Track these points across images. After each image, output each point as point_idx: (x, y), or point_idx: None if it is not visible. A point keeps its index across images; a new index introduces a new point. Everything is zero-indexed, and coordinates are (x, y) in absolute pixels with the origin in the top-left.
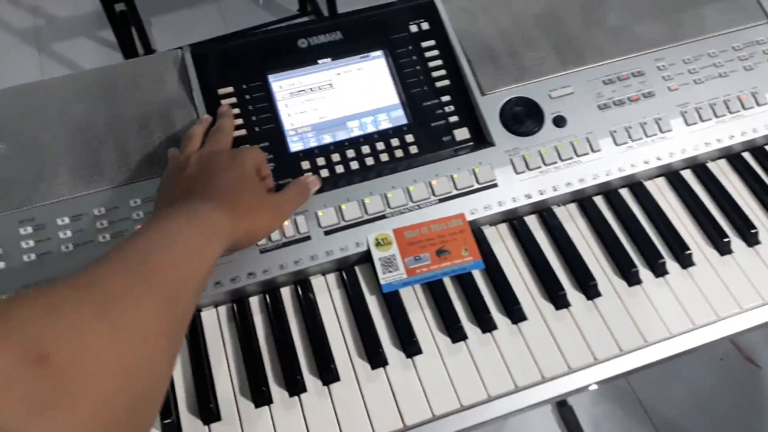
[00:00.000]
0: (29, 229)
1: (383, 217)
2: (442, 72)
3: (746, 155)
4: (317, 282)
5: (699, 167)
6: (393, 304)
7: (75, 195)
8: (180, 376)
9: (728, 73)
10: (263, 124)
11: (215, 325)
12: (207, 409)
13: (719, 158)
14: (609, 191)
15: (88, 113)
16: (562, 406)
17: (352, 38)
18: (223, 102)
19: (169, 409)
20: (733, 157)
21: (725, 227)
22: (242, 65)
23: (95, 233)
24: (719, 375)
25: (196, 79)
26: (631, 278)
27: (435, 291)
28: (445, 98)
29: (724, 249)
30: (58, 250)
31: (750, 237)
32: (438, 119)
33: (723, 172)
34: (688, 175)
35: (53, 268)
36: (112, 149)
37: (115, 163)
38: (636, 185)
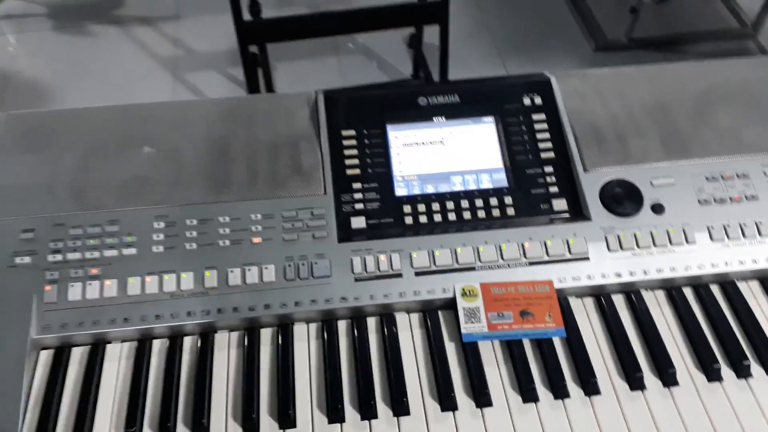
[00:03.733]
0: (162, 224)
1: (472, 269)
2: (548, 144)
3: None
4: (401, 318)
5: None
6: (471, 354)
7: (205, 202)
8: (266, 378)
9: None
10: (376, 167)
11: (305, 338)
12: (286, 414)
13: None
14: (699, 285)
15: (227, 134)
16: None
17: (468, 102)
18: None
19: (251, 407)
20: None
21: None
22: (366, 113)
23: (217, 238)
24: None
25: (325, 119)
26: (712, 374)
27: (513, 349)
28: (548, 169)
29: None
30: (183, 246)
31: None
32: (538, 187)
33: None
34: None
35: (176, 263)
36: (243, 168)
37: (243, 180)
38: (728, 284)
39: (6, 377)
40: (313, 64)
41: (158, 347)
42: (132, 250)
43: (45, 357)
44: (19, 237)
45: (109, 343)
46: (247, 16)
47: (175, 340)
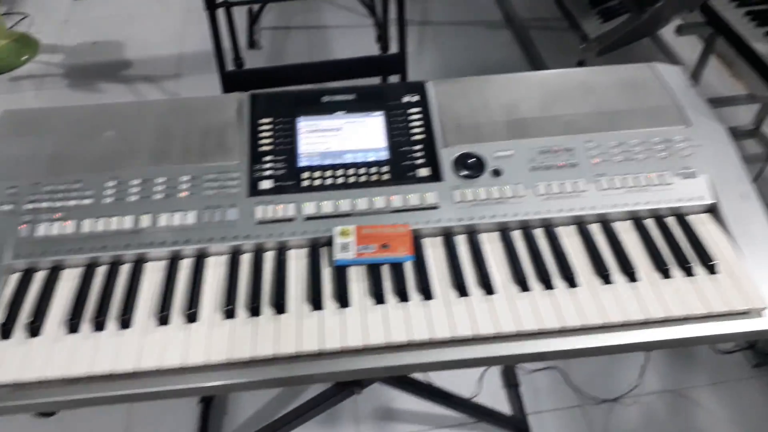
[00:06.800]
0: (113, 183)
1: (349, 215)
2: (421, 129)
3: (649, 222)
4: (294, 252)
5: (605, 222)
6: (339, 274)
7: (147, 168)
8: (180, 290)
9: (643, 159)
10: (285, 145)
11: (216, 266)
12: (191, 311)
13: (626, 219)
14: (527, 227)
15: (170, 123)
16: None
17: (363, 100)
18: (260, 128)
19: (167, 304)
20: (637, 220)
21: (611, 266)
22: (281, 107)
23: (152, 194)
24: None
25: (249, 111)
26: (525, 287)
27: (374, 270)
28: (418, 147)
29: (606, 280)
30: (128, 199)
31: (629, 275)
32: (410, 160)
33: (625, 230)
34: (595, 228)
35: (120, 210)
36: (179, 145)
37: (179, 153)
38: (549, 227)
39: None
40: None
41: (101, 270)
42: (88, 201)
43: (15, 277)
44: (4, 192)
45: (64, 269)
46: (231, 67)
47: (114, 266)
